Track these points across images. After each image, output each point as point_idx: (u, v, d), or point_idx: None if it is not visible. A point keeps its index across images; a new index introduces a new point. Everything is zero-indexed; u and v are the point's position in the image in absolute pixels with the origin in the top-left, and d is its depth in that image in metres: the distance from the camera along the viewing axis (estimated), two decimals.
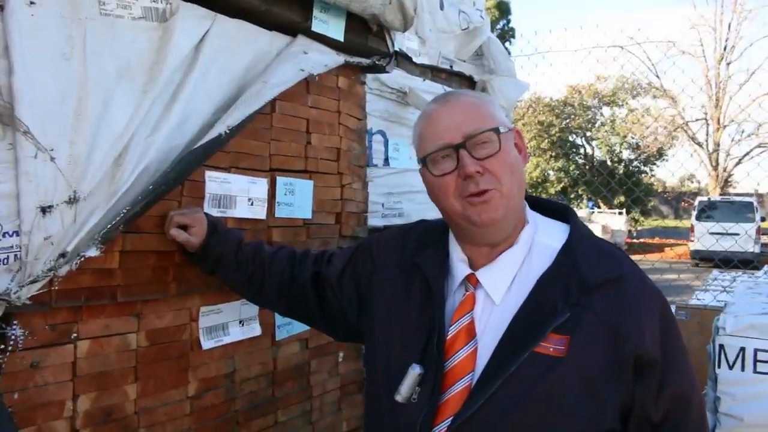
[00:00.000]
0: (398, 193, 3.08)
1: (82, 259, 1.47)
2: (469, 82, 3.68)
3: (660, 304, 1.32)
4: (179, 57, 1.70)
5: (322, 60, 2.17)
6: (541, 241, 1.39)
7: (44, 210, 1.40)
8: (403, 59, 3.21)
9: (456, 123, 1.34)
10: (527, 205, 1.44)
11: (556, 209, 1.48)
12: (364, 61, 2.48)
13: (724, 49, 25.23)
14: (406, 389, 1.33)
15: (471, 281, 1.39)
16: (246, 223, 1.99)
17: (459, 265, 1.42)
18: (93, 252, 1.48)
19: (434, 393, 1.30)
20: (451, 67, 3.57)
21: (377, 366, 1.44)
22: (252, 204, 1.99)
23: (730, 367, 2.09)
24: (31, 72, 1.37)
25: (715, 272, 5.70)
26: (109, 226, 1.51)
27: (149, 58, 1.64)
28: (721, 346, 2.15)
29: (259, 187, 2.03)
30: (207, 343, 1.90)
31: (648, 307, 1.29)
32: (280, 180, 2.12)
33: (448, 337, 1.35)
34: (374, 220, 2.89)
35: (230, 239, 1.73)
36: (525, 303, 1.30)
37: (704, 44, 25.30)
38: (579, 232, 1.39)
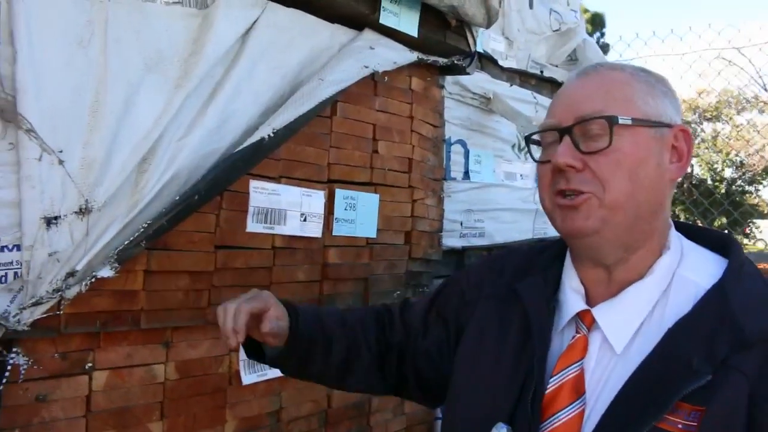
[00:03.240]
0: (480, 210, 2.78)
1: (93, 279, 1.26)
2: None
3: None
4: (220, 49, 1.48)
5: (390, 56, 1.91)
6: (686, 275, 1.03)
7: (49, 221, 1.20)
8: (487, 62, 2.91)
9: (575, 101, 1.03)
10: (672, 227, 1.08)
11: (712, 238, 1.11)
12: (441, 60, 2.20)
13: None
14: None
15: (585, 320, 1.05)
16: (297, 241, 1.74)
17: (571, 297, 1.09)
18: (107, 272, 1.27)
19: None
20: (542, 72, 3.24)
21: (455, 419, 1.14)
22: (305, 220, 1.74)
23: None
24: (39, 60, 1.18)
25: None
26: (126, 242, 1.29)
27: (184, 49, 1.42)
28: None
29: (314, 200, 1.78)
30: (248, 377, 1.66)
31: None
32: (340, 193, 1.87)
33: (548, 392, 1.02)
34: (451, 240, 2.59)
35: (310, 315, 1.25)
36: (650, 356, 0.96)
37: None
38: (740, 269, 1.02)
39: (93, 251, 1.26)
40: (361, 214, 1.94)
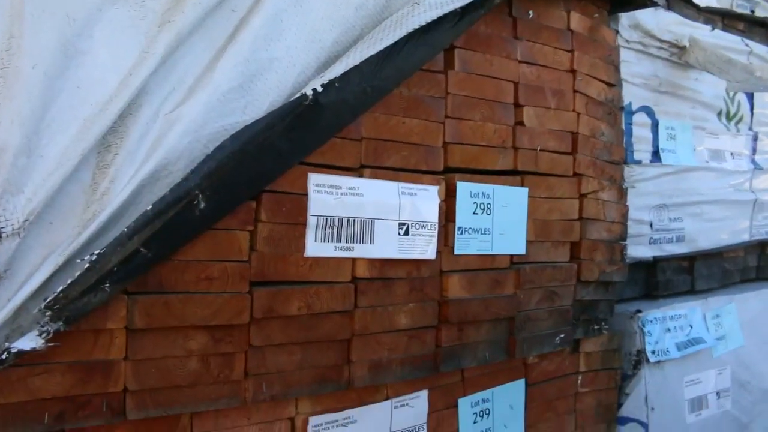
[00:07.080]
0: (676, 204, 2.02)
1: (8, 354, 0.72)
2: None
3: None
4: None
5: None
6: None
7: None
8: (677, 0, 2.12)
9: None
10: None
11: None
12: None
13: None
14: None
15: None
16: (396, 267, 1.12)
17: None
18: (30, 341, 0.73)
19: None
20: (753, 11, 2.54)
21: None
22: (407, 232, 1.12)
23: None
24: None
25: None
26: (62, 286, 0.75)
27: None
28: None
29: (422, 200, 1.15)
30: None
31: None
32: (465, 187, 1.22)
33: None
34: (637, 249, 1.85)
35: None
36: None
37: None
38: None
39: (13, 304, 0.73)
40: (500, 220, 1.28)
